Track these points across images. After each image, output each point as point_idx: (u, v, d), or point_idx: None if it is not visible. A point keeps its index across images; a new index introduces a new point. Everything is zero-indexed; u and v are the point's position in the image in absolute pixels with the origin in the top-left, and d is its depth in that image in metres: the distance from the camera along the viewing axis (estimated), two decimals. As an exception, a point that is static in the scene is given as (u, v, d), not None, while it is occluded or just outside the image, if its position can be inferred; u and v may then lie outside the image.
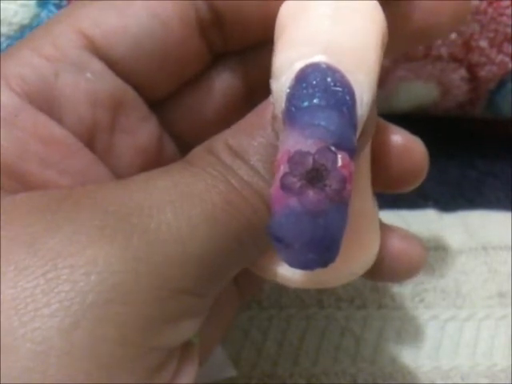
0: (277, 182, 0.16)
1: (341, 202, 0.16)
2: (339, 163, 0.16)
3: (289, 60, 0.17)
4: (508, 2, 0.28)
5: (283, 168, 0.16)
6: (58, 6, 0.27)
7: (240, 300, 0.23)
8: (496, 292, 0.29)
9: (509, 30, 0.29)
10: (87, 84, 0.19)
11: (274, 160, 0.17)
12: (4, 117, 0.18)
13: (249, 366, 0.27)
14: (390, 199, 0.27)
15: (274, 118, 0.17)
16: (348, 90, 0.16)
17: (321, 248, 0.16)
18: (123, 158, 0.20)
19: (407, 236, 0.22)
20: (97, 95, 0.20)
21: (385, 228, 0.21)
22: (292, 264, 0.17)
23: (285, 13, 0.18)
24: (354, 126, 0.16)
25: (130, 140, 0.20)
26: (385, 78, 0.30)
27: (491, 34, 0.29)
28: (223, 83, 0.21)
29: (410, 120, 0.33)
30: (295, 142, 0.16)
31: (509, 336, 0.28)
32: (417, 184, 0.21)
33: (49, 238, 0.16)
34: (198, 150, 0.19)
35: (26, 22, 0.27)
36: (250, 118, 0.18)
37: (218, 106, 0.22)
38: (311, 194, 0.16)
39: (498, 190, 0.34)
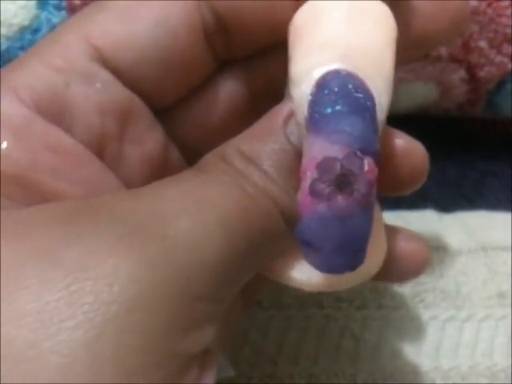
0: (305, 188, 0.16)
1: (367, 206, 0.16)
2: (365, 168, 0.16)
3: (308, 67, 0.17)
4: (507, 3, 0.28)
5: (311, 174, 0.16)
6: (58, 8, 0.27)
7: (244, 307, 0.23)
8: (496, 292, 0.29)
9: (508, 30, 0.29)
10: (97, 94, 0.19)
11: (295, 167, 0.17)
12: (14, 128, 0.18)
13: (248, 366, 0.27)
14: (389, 200, 0.27)
15: (292, 122, 0.18)
16: (368, 96, 0.17)
17: (349, 251, 0.17)
18: (131, 166, 0.20)
19: (411, 236, 0.22)
20: (106, 105, 0.20)
21: (389, 229, 0.22)
22: (320, 268, 0.17)
23: (299, 20, 0.18)
24: (375, 130, 0.17)
25: (138, 149, 0.21)
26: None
27: (490, 35, 0.29)
28: (228, 90, 0.21)
29: (410, 120, 0.33)
30: (321, 148, 0.16)
31: (508, 336, 0.28)
32: (418, 186, 0.22)
33: (69, 250, 0.16)
34: (209, 158, 0.19)
35: (26, 23, 0.27)
36: (261, 124, 0.19)
37: (222, 113, 0.22)
38: (340, 199, 0.16)
39: (498, 191, 0.34)
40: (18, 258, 0.16)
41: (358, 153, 0.16)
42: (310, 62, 0.17)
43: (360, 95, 0.17)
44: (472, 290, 0.29)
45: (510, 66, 0.30)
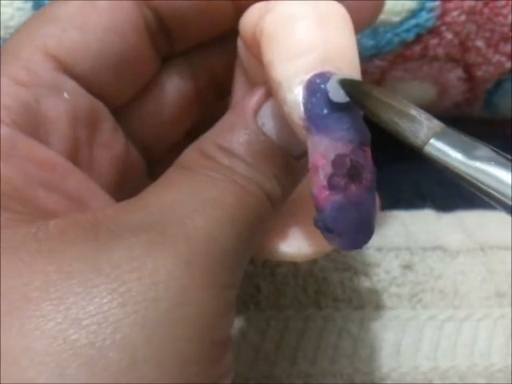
0: (320, 183, 0.19)
1: (373, 189, 0.19)
2: (368, 158, 0.19)
3: (294, 71, 0.19)
4: (504, 2, 0.28)
5: (324, 170, 0.18)
6: (54, 9, 0.27)
7: None
8: (494, 292, 0.29)
9: (505, 29, 0.29)
10: (65, 104, 0.21)
11: (270, 153, 0.20)
12: (3, 149, 0.19)
13: (246, 367, 0.27)
14: (387, 199, 0.27)
15: (264, 113, 0.20)
16: None
17: (365, 229, 0.20)
18: (102, 169, 0.22)
19: None
20: (75, 113, 0.21)
21: None
22: (344, 247, 0.20)
23: (270, 27, 0.19)
24: (363, 121, 0.19)
25: (107, 152, 0.22)
26: (381, 79, 0.30)
27: (487, 34, 0.29)
28: (173, 85, 0.24)
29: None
30: (329, 146, 0.18)
31: (507, 336, 0.28)
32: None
33: (107, 258, 0.17)
34: (189, 154, 0.20)
35: (22, 25, 0.27)
36: (232, 117, 0.20)
37: (170, 107, 0.24)
38: (353, 188, 0.19)
39: (497, 190, 0.34)
40: (59, 271, 0.17)
41: (360, 145, 0.19)
42: (294, 67, 0.19)
43: None
44: (470, 289, 0.29)
45: (507, 65, 0.30)
